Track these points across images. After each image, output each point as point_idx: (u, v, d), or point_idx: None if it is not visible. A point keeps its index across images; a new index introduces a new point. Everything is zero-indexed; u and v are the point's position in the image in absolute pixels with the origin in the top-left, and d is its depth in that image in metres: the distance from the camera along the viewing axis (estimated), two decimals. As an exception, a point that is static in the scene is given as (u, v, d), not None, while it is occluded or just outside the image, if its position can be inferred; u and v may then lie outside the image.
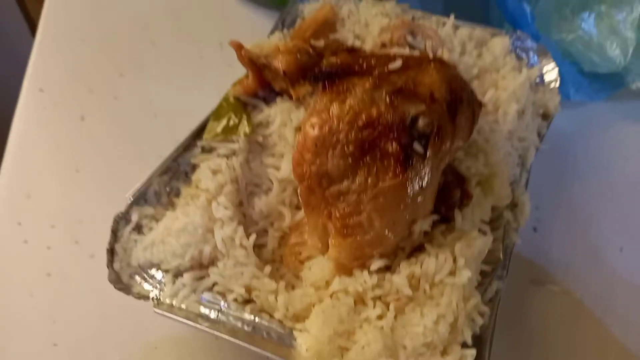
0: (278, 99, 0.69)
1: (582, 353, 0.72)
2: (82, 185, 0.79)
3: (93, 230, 0.73)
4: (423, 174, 0.56)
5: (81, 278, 0.72)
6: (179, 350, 0.66)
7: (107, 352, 0.67)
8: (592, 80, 0.91)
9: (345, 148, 0.56)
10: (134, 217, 0.60)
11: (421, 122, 0.56)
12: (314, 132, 0.57)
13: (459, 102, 0.59)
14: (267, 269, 0.59)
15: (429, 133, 0.56)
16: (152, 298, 0.56)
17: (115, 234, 0.59)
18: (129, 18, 0.98)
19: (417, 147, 0.56)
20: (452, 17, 0.80)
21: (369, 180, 0.56)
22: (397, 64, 0.61)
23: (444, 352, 0.54)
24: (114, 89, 0.89)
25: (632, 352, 0.73)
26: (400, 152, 0.54)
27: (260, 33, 0.82)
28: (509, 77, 0.70)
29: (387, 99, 0.56)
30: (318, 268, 0.59)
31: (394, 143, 0.55)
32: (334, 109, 0.57)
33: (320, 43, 0.75)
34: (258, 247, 0.64)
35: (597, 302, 0.76)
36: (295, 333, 0.55)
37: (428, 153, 0.56)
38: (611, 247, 0.81)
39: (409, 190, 0.56)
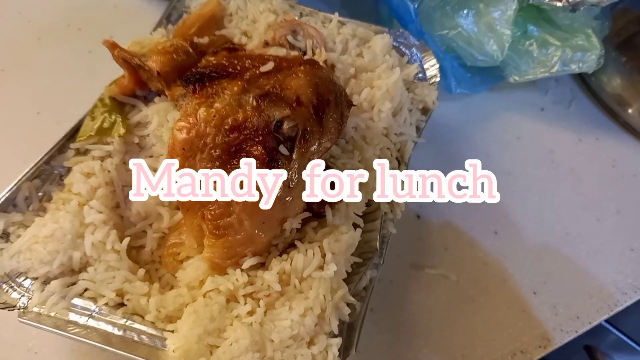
0: (156, 99, 0.69)
1: (457, 331, 0.79)
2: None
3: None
4: (290, 175, 0.59)
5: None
6: (59, 353, 0.66)
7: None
8: (473, 74, 0.97)
9: (213, 152, 0.57)
10: (0, 225, 0.59)
11: (286, 126, 0.58)
12: (181, 136, 0.57)
13: (325, 104, 0.62)
14: (141, 271, 0.60)
15: (294, 136, 0.59)
16: (18, 307, 0.56)
17: (-21, 243, 0.57)
18: (11, 10, 0.93)
19: (283, 149, 0.58)
20: (336, 14, 0.82)
21: (237, 183, 0.57)
22: (268, 66, 0.63)
23: (310, 343, 0.58)
24: (-7, 85, 0.85)
25: (500, 326, 0.80)
26: (265, 155, 0.57)
27: (153, 25, 0.81)
28: (383, 76, 0.74)
29: (254, 103, 0.58)
30: (192, 268, 0.60)
31: (259, 146, 0.57)
32: (202, 112, 0.58)
33: (205, 40, 0.75)
34: (136, 249, 0.64)
35: (471, 284, 0.82)
36: (166, 334, 0.56)
37: (294, 155, 0.59)
38: (487, 230, 0.88)
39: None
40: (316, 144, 0.61)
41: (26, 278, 0.58)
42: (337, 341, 0.58)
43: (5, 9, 0.94)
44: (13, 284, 0.57)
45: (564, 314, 0.82)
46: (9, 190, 0.61)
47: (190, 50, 0.71)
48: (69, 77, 0.89)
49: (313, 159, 0.61)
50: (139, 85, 0.69)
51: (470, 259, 0.85)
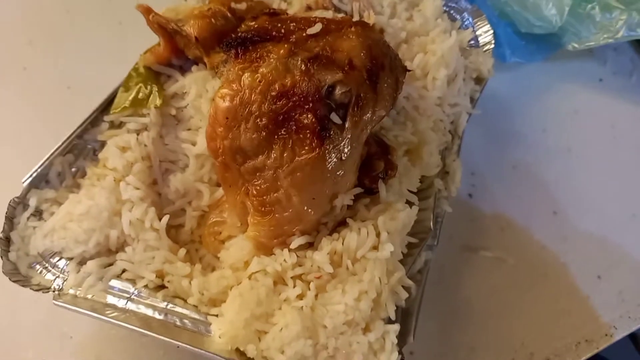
0: (194, 68, 0.64)
1: (515, 319, 0.73)
2: (-14, 167, 0.73)
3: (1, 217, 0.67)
4: (342, 146, 0.53)
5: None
6: (95, 337, 0.63)
7: (20, 349, 0.63)
8: (528, 42, 0.90)
9: (259, 121, 0.52)
10: (32, 202, 0.55)
11: (338, 91, 0.52)
12: (224, 104, 0.52)
13: (380, 68, 0.56)
14: (182, 251, 0.56)
15: (347, 102, 0.53)
16: (53, 289, 0.52)
17: (10, 220, 0.54)
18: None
19: (335, 117, 0.52)
20: (383, -24, 0.76)
21: (285, 155, 0.52)
22: (316, 28, 0.57)
23: (366, 329, 0.53)
24: (22, 59, 0.81)
25: (562, 314, 0.74)
26: (316, 123, 0.51)
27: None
28: (438, 40, 0.67)
29: (303, 67, 0.53)
30: (237, 248, 0.56)
31: (309, 114, 0.51)
32: (246, 78, 0.52)
33: (242, 6, 0.70)
34: (175, 228, 0.60)
35: (530, 268, 0.76)
36: (210, 318, 0.52)
37: (347, 124, 0.53)
38: (545, 210, 0.81)
39: (328, 164, 0.53)
40: (370, 112, 0.55)
41: (61, 258, 0.54)
42: (395, 328, 0.53)
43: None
44: (47, 265, 0.54)
45: (631, 300, 0.76)
46: (41, 166, 0.57)
47: (229, 15, 0.65)
48: (99, 50, 0.85)
49: (366, 129, 0.56)
50: (175, 53, 0.64)
51: (528, 241, 0.79)
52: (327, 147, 0.52)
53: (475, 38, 0.79)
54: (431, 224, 0.63)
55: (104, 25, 0.87)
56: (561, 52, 0.91)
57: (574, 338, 0.72)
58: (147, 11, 0.62)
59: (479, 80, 0.76)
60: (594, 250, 0.78)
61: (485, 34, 0.79)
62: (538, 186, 0.83)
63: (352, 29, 0.57)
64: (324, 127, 0.52)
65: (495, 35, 0.79)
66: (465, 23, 0.79)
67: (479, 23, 0.79)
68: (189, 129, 0.62)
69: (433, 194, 0.66)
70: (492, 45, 0.78)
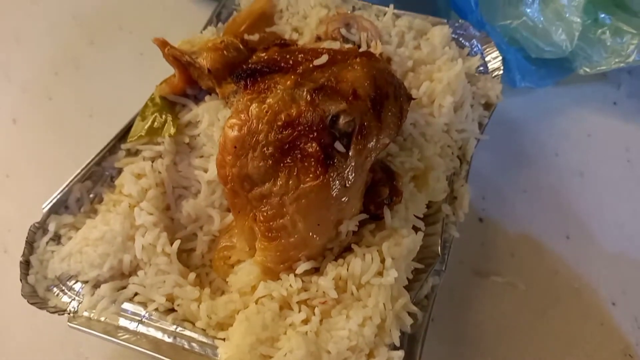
0: (207, 98, 0.67)
1: (527, 346, 0.72)
2: (12, 192, 0.76)
3: (23, 239, 0.70)
4: (346, 173, 0.55)
5: (11, 289, 0.69)
6: (109, 358, 0.65)
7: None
8: (538, 67, 0.90)
9: (265, 149, 0.54)
10: (51, 227, 0.58)
11: (342, 120, 0.54)
12: (233, 134, 0.55)
13: (384, 97, 0.58)
14: (192, 276, 0.58)
15: (350, 131, 0.55)
16: (69, 311, 0.54)
17: (31, 245, 0.57)
18: (65, 13, 0.95)
19: (339, 146, 0.54)
20: (391, 6, 0.78)
21: (291, 182, 0.54)
22: (322, 59, 0.59)
23: (370, 355, 0.53)
24: (48, 89, 0.86)
25: (576, 340, 0.73)
26: (320, 152, 0.53)
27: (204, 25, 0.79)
28: (444, 68, 0.69)
29: (308, 97, 0.55)
30: (244, 273, 0.57)
31: (314, 143, 0.53)
32: (254, 108, 0.55)
33: (255, 37, 0.73)
34: (187, 252, 0.62)
35: (542, 293, 0.75)
36: (217, 342, 0.53)
37: (350, 152, 0.55)
38: (557, 235, 0.81)
39: (332, 191, 0.54)
40: (374, 140, 0.56)
41: (77, 281, 0.57)
42: (399, 354, 0.54)
43: (59, 13, 0.95)
44: (64, 287, 0.56)
45: (647, 327, 0.74)
46: (61, 192, 0.60)
47: (241, 47, 0.68)
48: (120, 79, 0.89)
49: (371, 156, 0.57)
50: (189, 83, 0.67)
51: (540, 266, 0.78)
52: (331, 174, 0.53)
53: (485, 64, 0.80)
54: (439, 249, 0.64)
55: (125, 56, 0.92)
56: (574, 76, 0.92)
57: (588, 366, 0.71)
58: (163, 44, 0.66)
59: (488, 106, 0.77)
60: (608, 276, 0.77)
61: (494, 60, 0.80)
62: (550, 210, 0.83)
63: (358, 59, 0.59)
64: (328, 155, 0.53)
65: (504, 60, 0.80)
66: (474, 50, 0.81)
67: (487, 49, 0.80)
68: (202, 156, 0.64)
69: (441, 219, 0.66)
70: (501, 71, 0.79)
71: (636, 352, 0.73)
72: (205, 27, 0.78)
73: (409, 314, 0.57)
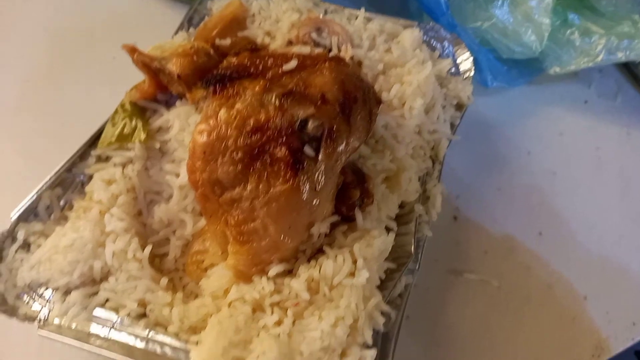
0: (178, 103, 0.67)
1: (500, 342, 0.73)
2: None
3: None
4: (316, 176, 0.55)
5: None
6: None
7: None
8: (510, 67, 0.92)
9: (234, 154, 0.54)
10: (20, 235, 0.57)
11: (311, 125, 0.54)
12: (202, 139, 0.55)
13: (353, 101, 0.58)
14: (164, 280, 0.58)
15: (319, 135, 0.55)
16: (39, 319, 0.54)
17: (-1, 254, 0.56)
18: (35, 23, 0.94)
19: (308, 150, 0.55)
20: (362, 10, 0.79)
21: (261, 186, 0.54)
22: (291, 65, 0.60)
23: (342, 355, 0.54)
24: (18, 97, 0.85)
25: (548, 336, 0.74)
26: (289, 156, 0.53)
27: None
28: (414, 71, 0.69)
29: (277, 102, 0.55)
30: (217, 276, 0.58)
31: (283, 147, 0.53)
32: (222, 114, 0.55)
33: (226, 42, 0.73)
34: (160, 257, 0.62)
35: (515, 290, 0.77)
36: (190, 346, 0.53)
37: (320, 156, 0.55)
38: (530, 232, 0.82)
39: (302, 194, 0.55)
40: (343, 143, 0.57)
41: (47, 289, 0.56)
42: (372, 353, 0.54)
43: (30, 20, 0.95)
44: (34, 295, 0.56)
45: (618, 321, 0.76)
46: (30, 199, 0.59)
47: (212, 52, 0.68)
48: (93, 85, 0.88)
49: (341, 159, 0.58)
50: (159, 89, 0.67)
51: (514, 263, 0.79)
52: (301, 178, 0.54)
53: (456, 66, 0.81)
54: (412, 248, 0.65)
55: (97, 61, 0.91)
56: (546, 76, 0.93)
57: (561, 360, 0.72)
58: (132, 51, 0.65)
59: (460, 107, 0.78)
60: (580, 271, 0.79)
61: (465, 61, 0.81)
62: (523, 208, 0.84)
63: (326, 64, 0.60)
64: (298, 159, 0.54)
65: (475, 61, 0.81)
66: (446, 51, 0.81)
67: (459, 51, 0.81)
68: (173, 161, 0.64)
69: (414, 219, 0.67)
70: (472, 72, 0.80)
71: (607, 345, 0.74)
72: (176, 32, 0.78)
73: (382, 313, 0.57)
